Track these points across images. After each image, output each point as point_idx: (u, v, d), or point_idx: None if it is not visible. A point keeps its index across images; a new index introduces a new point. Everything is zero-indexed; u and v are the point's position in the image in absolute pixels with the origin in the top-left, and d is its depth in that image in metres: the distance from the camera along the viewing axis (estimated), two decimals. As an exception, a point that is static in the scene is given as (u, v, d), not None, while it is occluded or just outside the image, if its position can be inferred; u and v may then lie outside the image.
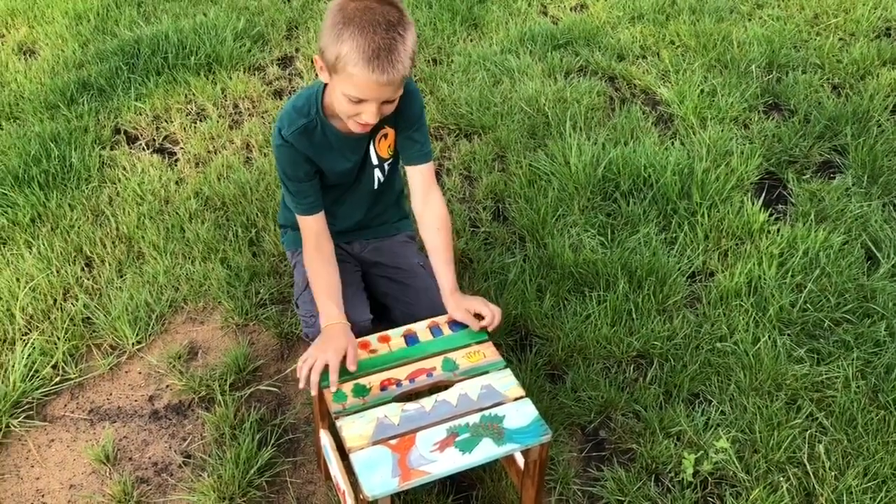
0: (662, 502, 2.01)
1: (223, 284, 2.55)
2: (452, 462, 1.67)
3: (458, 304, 1.96)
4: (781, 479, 2.04)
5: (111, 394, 2.31)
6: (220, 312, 2.51)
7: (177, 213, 2.84)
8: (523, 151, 3.14)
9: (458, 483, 2.05)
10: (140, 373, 2.36)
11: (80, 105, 3.41)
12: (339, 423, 1.75)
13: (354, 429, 1.73)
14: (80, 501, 2.04)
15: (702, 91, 3.44)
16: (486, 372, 1.86)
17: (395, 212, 2.29)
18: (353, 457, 1.68)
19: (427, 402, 1.79)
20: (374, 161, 2.05)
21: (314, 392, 1.82)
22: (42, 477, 2.10)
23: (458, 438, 1.71)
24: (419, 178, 2.04)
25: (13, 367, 2.29)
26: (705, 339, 2.41)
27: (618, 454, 2.15)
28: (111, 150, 3.21)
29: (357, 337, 1.91)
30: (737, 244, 2.74)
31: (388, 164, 2.09)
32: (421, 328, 1.98)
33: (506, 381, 1.84)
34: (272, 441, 2.12)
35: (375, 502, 1.64)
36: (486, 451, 1.69)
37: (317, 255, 2.00)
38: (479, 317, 1.95)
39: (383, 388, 1.82)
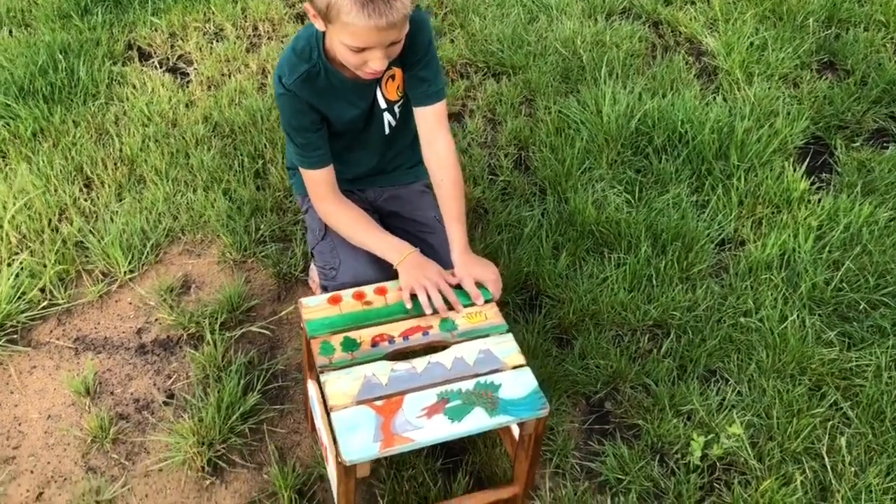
0: (665, 484, 1.89)
1: (223, 217, 2.42)
2: (439, 430, 1.55)
3: (466, 268, 1.80)
4: (796, 470, 1.90)
5: (99, 323, 2.21)
6: (218, 246, 2.39)
7: (183, 137, 2.70)
8: (554, 96, 2.94)
9: (448, 447, 1.94)
10: (130, 303, 2.26)
11: (94, 16, 3.25)
12: (323, 378, 1.63)
13: (339, 385, 1.61)
14: (56, 433, 1.96)
15: (751, 44, 3.19)
16: (487, 335, 1.73)
17: (411, 156, 2.10)
18: (334, 416, 1.56)
19: (419, 363, 1.66)
20: (383, 105, 1.88)
21: (443, 311, 1.73)
22: (21, 404, 2.02)
23: (448, 405, 1.59)
24: (424, 120, 1.87)
25: None
26: (728, 312, 2.25)
27: (622, 429, 2.02)
28: (122, 65, 3.06)
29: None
30: (773, 212, 2.55)
31: (399, 107, 1.92)
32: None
33: (506, 347, 1.71)
34: (258, 386, 2.02)
35: (354, 466, 1.54)
36: (477, 421, 1.57)
37: (336, 200, 1.87)
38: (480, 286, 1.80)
39: (374, 344, 1.70)
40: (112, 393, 2.05)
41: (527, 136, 2.80)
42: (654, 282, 2.30)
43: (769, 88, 2.99)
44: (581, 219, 2.46)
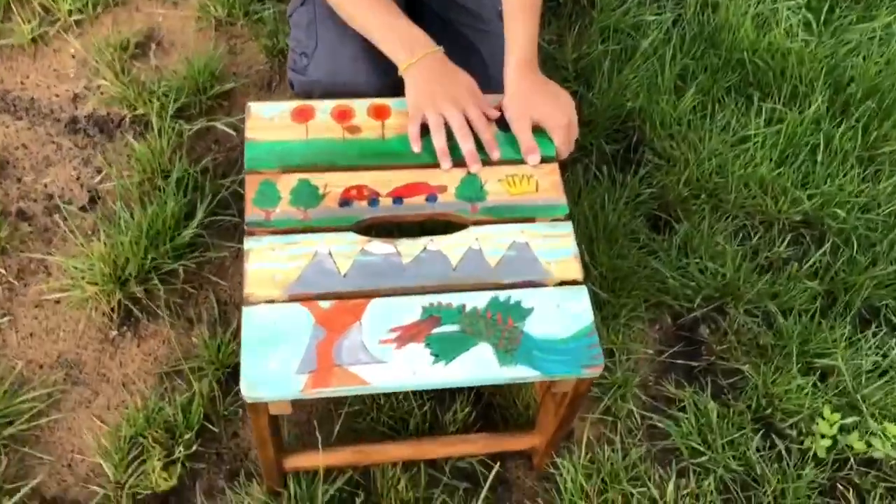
0: (763, 472, 1.25)
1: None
2: (410, 374, 0.92)
3: (524, 97, 1.08)
4: (975, 501, 1.22)
5: (28, 77, 1.61)
6: (200, -4, 1.70)
7: None
8: None
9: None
10: (73, 57, 1.63)
11: None
12: (247, 245, 1.00)
13: (270, 263, 0.98)
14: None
15: None
16: (531, 218, 1.04)
17: None
18: (246, 313, 0.95)
19: (408, 248, 1.01)
20: None
21: (474, 162, 1.06)
22: None
23: (436, 330, 0.95)
24: None
25: None
26: (923, 224, 1.48)
27: (717, 374, 1.35)
28: None
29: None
30: None
31: None
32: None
33: (558, 245, 1.02)
34: (205, 211, 1.41)
35: (263, 404, 0.94)
36: (478, 368, 0.93)
37: None
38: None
39: (346, 200, 1.04)
40: (20, 180, 1.48)
41: None
42: (820, 156, 1.52)
43: None
44: (731, 40, 1.64)
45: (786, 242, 1.46)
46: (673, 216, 1.49)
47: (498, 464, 1.22)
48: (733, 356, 1.35)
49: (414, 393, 1.25)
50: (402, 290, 0.98)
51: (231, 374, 1.30)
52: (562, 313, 0.97)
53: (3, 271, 1.39)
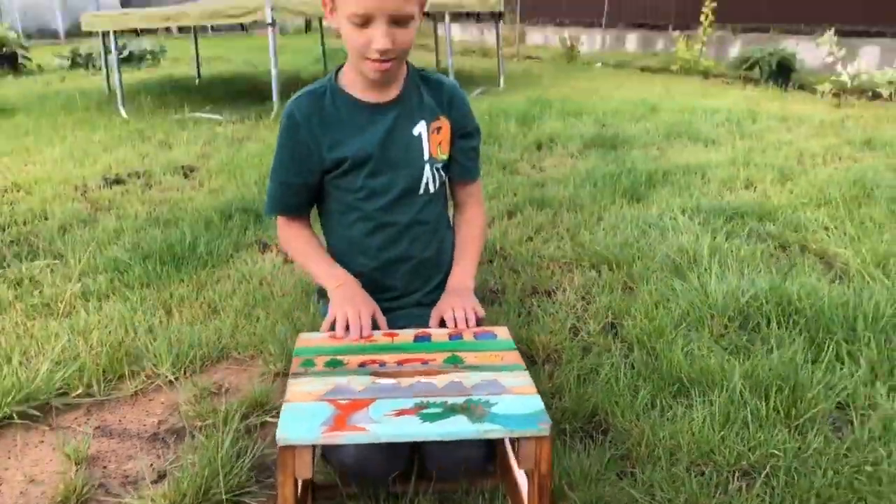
0: None
1: (271, 333, 2.32)
2: (404, 428, 1.23)
3: (440, 305, 1.72)
4: None
5: (125, 416, 2.07)
6: (264, 359, 2.26)
7: (272, 292, 2.73)
8: (657, 283, 2.73)
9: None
10: (163, 403, 2.12)
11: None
12: (291, 381, 1.39)
13: (305, 386, 1.36)
14: (32, 495, 1.75)
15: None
16: (499, 370, 1.43)
17: (435, 268, 1.86)
18: (285, 407, 1.30)
19: (406, 380, 1.39)
20: (425, 154, 1.77)
21: (357, 334, 1.58)
22: (11, 468, 1.85)
23: (424, 410, 1.28)
24: (467, 196, 1.89)
25: (41, 359, 2.17)
26: (851, 460, 1.74)
27: (692, 564, 1.49)
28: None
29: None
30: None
31: (440, 169, 1.77)
32: (438, 332, 1.61)
33: (518, 379, 1.40)
34: (247, 462, 1.74)
35: (291, 454, 1.23)
36: (455, 425, 1.24)
37: (290, 227, 1.81)
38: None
39: (362, 364, 1.45)
40: (105, 467, 1.84)
41: (621, 308, 2.56)
42: (751, 423, 1.86)
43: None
44: (668, 365, 2.12)
45: (734, 477, 1.71)
46: (637, 468, 1.77)
47: None
48: (704, 553, 1.51)
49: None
50: (400, 396, 1.33)
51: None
52: (517, 404, 1.31)
53: (77, 520, 1.66)
